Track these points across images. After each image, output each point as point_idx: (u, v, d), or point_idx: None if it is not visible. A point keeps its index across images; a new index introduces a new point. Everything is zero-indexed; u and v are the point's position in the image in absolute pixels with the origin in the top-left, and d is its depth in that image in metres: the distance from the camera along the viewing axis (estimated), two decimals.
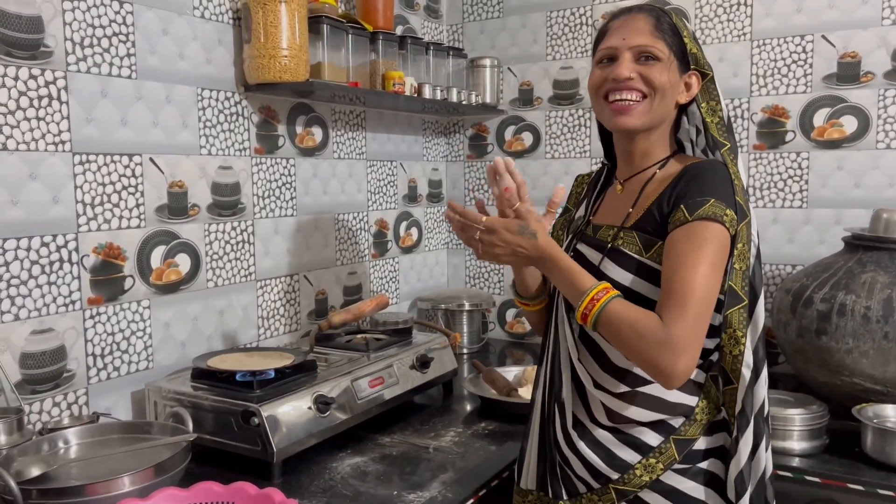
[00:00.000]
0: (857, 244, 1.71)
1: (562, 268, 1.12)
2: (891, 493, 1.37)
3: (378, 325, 2.03)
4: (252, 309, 1.88)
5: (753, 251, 1.15)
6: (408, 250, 2.50)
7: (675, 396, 1.15)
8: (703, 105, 1.23)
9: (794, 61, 2.04)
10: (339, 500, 1.32)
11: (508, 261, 1.16)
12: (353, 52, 1.98)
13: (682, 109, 1.25)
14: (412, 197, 2.51)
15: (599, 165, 1.40)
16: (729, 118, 1.23)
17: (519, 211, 1.13)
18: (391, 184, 2.40)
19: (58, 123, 1.42)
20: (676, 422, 1.15)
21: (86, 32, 1.46)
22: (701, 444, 1.16)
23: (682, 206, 1.11)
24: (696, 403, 1.15)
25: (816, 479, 1.44)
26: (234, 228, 1.82)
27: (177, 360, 1.68)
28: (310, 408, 1.49)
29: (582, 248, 1.24)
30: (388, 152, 2.38)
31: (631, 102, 1.17)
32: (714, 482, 1.16)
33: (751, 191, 2.12)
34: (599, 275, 1.16)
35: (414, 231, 2.53)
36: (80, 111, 1.46)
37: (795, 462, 1.49)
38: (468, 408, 1.84)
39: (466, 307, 2.42)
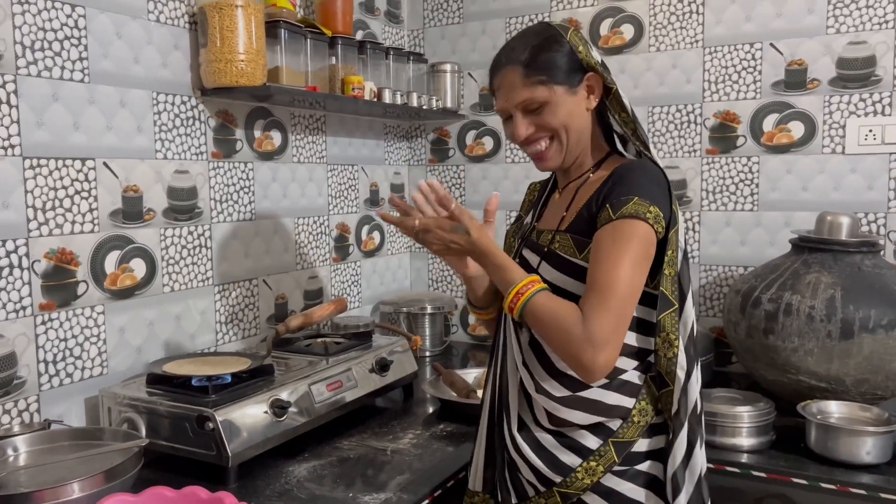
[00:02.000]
0: (803, 246, 1.76)
1: (496, 263, 1.18)
2: (832, 487, 1.41)
3: (339, 328, 2.04)
4: (210, 314, 1.87)
5: (680, 255, 1.19)
6: (370, 254, 2.50)
7: (613, 399, 1.17)
8: (615, 117, 1.26)
9: (744, 68, 2.10)
10: (297, 502, 1.32)
11: (445, 256, 1.26)
12: (311, 56, 1.99)
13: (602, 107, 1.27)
14: (374, 201, 2.51)
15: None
16: (643, 131, 1.26)
17: (453, 211, 1.19)
18: (352, 188, 2.40)
19: (7, 127, 1.41)
20: (614, 424, 1.17)
21: (36, 36, 1.45)
22: (640, 446, 1.18)
23: (607, 205, 1.14)
24: (633, 405, 1.17)
25: (762, 475, 1.48)
26: (190, 233, 1.81)
27: (132, 366, 1.66)
28: (266, 412, 1.49)
29: (525, 252, 1.28)
30: (350, 156, 2.38)
31: (542, 149, 1.25)
32: (653, 484, 1.18)
33: (703, 194, 2.18)
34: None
35: (376, 235, 2.53)
36: (31, 115, 1.45)
37: (744, 458, 1.53)
38: (428, 410, 1.85)
39: (429, 310, 2.43)
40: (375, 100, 2.15)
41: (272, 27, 1.85)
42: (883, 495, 1.38)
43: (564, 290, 1.18)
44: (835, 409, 1.58)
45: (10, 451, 1.27)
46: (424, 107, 2.33)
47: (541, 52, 1.20)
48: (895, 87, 1.93)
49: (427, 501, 1.37)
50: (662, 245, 1.15)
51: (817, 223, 1.77)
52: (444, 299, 2.51)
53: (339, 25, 2.12)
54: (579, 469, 1.16)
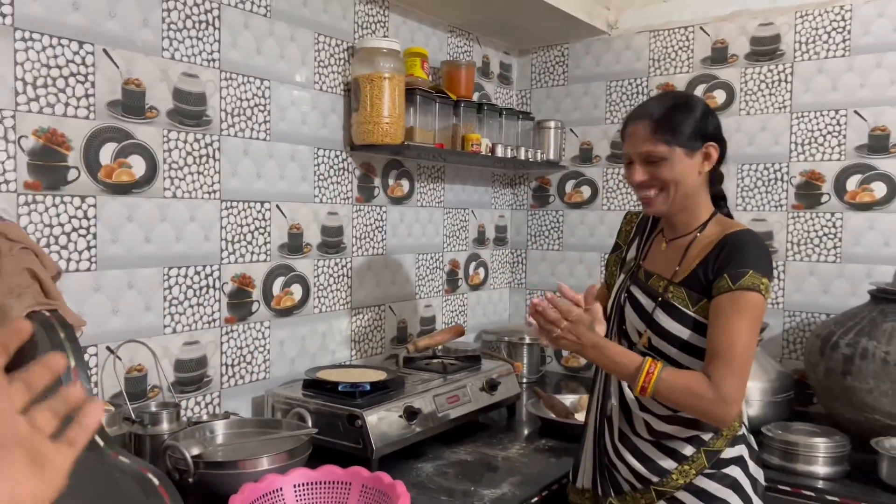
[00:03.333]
0: (881, 297, 1.94)
1: (611, 351, 1.38)
2: None
3: (450, 352, 2.33)
4: (347, 332, 2.20)
5: None
6: (475, 287, 2.80)
7: None
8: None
9: (829, 132, 2.30)
10: (430, 491, 1.60)
11: (570, 347, 1.41)
12: (439, 117, 2.32)
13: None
14: (481, 240, 2.82)
15: None
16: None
17: (592, 310, 1.41)
18: (463, 228, 2.72)
19: (211, 176, 1.78)
20: (707, 436, 1.41)
21: (235, 105, 1.83)
22: (726, 453, 1.41)
23: (725, 275, 1.34)
24: None
25: (836, 499, 1.66)
26: (336, 264, 2.15)
27: (288, 373, 2.00)
28: (400, 416, 1.78)
29: (635, 290, 1.50)
30: (462, 201, 2.70)
31: (651, 196, 1.44)
32: (735, 485, 1.41)
33: (789, 245, 2.36)
34: (651, 321, 1.43)
35: (481, 271, 2.83)
36: (228, 166, 1.82)
37: (819, 484, 1.71)
38: (530, 428, 2.11)
39: (527, 341, 2.69)
40: (490, 154, 2.47)
41: (409, 93, 2.19)
42: None
43: (673, 335, 1.40)
44: None
45: (208, 433, 1.60)
46: (531, 159, 2.63)
47: (672, 115, 1.40)
48: None
49: (536, 499, 1.62)
50: None
51: (895, 277, 1.95)
52: None
53: (462, 90, 2.45)
54: (674, 471, 1.41)
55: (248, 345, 1.90)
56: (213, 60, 1.77)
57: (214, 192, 1.80)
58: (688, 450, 1.41)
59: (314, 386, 1.87)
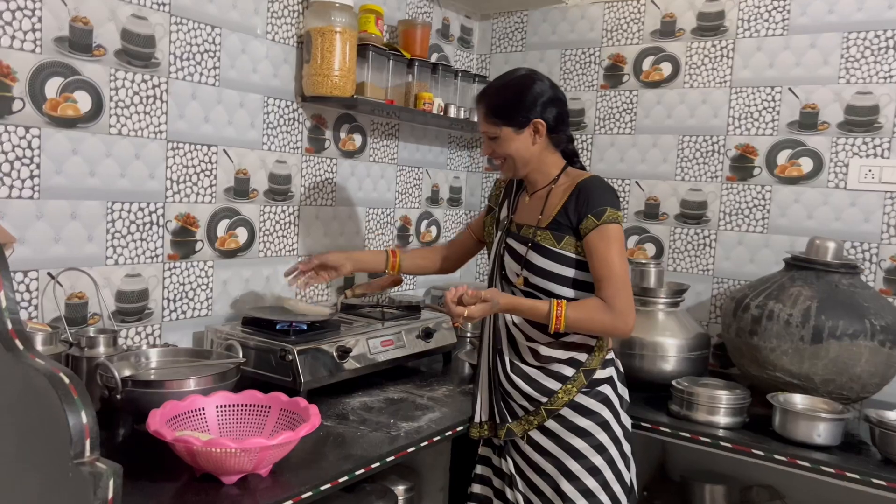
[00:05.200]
0: (793, 264, 2.05)
1: (522, 307, 1.63)
2: (784, 458, 1.71)
3: (394, 303, 2.43)
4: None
5: None
6: (427, 244, 2.89)
7: (581, 339, 1.63)
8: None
9: (764, 108, 2.40)
10: (348, 423, 1.71)
11: (486, 313, 1.63)
12: (392, 74, 2.39)
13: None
14: (434, 199, 2.90)
15: None
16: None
17: (485, 297, 1.60)
18: (416, 186, 2.80)
19: (158, 117, 1.85)
20: (582, 357, 1.66)
21: (185, 49, 1.89)
22: (598, 374, 1.66)
23: (589, 215, 1.61)
24: (594, 343, 1.64)
25: (728, 445, 1.79)
26: (283, 211, 2.23)
27: (230, 311, 2.09)
28: (332, 355, 1.89)
29: (510, 241, 1.74)
30: (416, 160, 2.78)
31: (499, 164, 1.74)
32: (606, 401, 1.66)
33: (721, 216, 2.48)
34: (526, 262, 1.67)
35: (433, 228, 2.92)
36: (175, 109, 1.89)
37: (719, 433, 1.83)
38: (462, 374, 2.22)
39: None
40: (442, 114, 2.54)
41: (362, 49, 2.26)
42: (824, 468, 1.67)
43: (545, 270, 1.65)
44: (799, 401, 1.86)
45: (143, 359, 1.69)
46: None
47: (500, 99, 1.66)
48: (894, 133, 2.20)
49: (450, 433, 1.73)
50: None
51: (808, 245, 2.06)
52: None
53: (417, 49, 2.52)
54: (560, 391, 1.64)
55: (190, 282, 1.98)
56: (164, 4, 1.83)
57: (161, 132, 1.87)
58: (568, 371, 1.65)
59: (253, 323, 1.96)
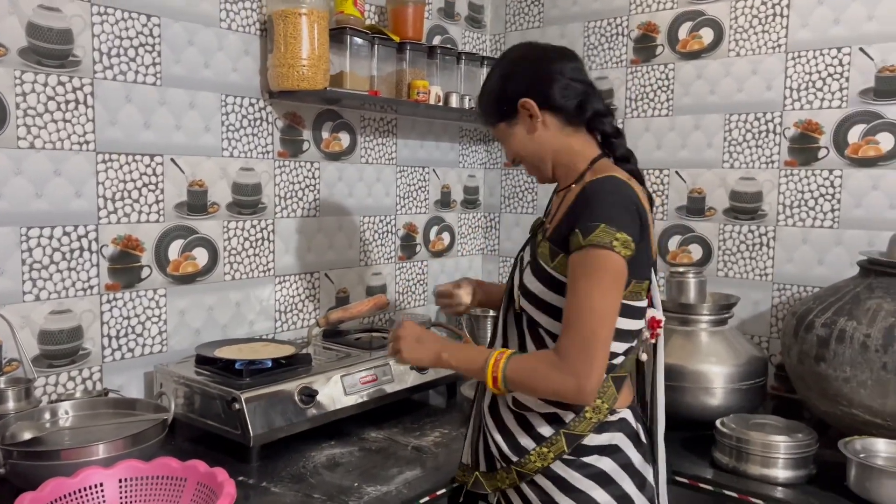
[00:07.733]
0: (871, 268, 1.62)
1: (458, 355, 1.28)
2: None
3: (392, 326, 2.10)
4: (270, 302, 2.00)
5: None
6: (438, 254, 2.55)
7: None
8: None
9: (829, 74, 1.95)
10: (302, 486, 1.39)
11: (410, 362, 1.36)
12: (380, 61, 2.07)
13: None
14: (445, 202, 2.56)
15: None
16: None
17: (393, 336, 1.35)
18: (422, 189, 2.46)
19: (83, 125, 1.58)
20: (567, 417, 1.23)
21: (112, 43, 1.62)
22: (591, 440, 1.22)
23: (577, 229, 1.16)
24: None
25: None
26: (253, 226, 1.94)
27: (189, 347, 1.81)
28: (294, 398, 1.57)
29: (525, 252, 1.35)
30: (420, 158, 2.44)
31: (526, 169, 1.38)
32: (601, 477, 1.22)
33: (780, 208, 2.04)
34: (520, 281, 1.28)
35: (446, 236, 2.58)
36: (105, 114, 1.61)
37: (777, 492, 1.43)
38: (463, 413, 1.87)
39: (491, 313, 2.44)
40: (441, 104, 2.20)
41: (339, 33, 1.94)
42: None
43: (532, 293, 1.25)
44: (882, 449, 1.44)
45: (61, 413, 1.43)
46: None
47: (484, 101, 1.35)
48: None
49: (427, 499, 1.39)
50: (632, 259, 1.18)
51: (890, 244, 1.62)
52: None
53: (409, 31, 2.18)
54: (533, 452, 1.24)
55: (137, 314, 1.71)
56: None
57: (87, 142, 1.59)
58: (546, 430, 1.24)
59: (208, 362, 1.67)
